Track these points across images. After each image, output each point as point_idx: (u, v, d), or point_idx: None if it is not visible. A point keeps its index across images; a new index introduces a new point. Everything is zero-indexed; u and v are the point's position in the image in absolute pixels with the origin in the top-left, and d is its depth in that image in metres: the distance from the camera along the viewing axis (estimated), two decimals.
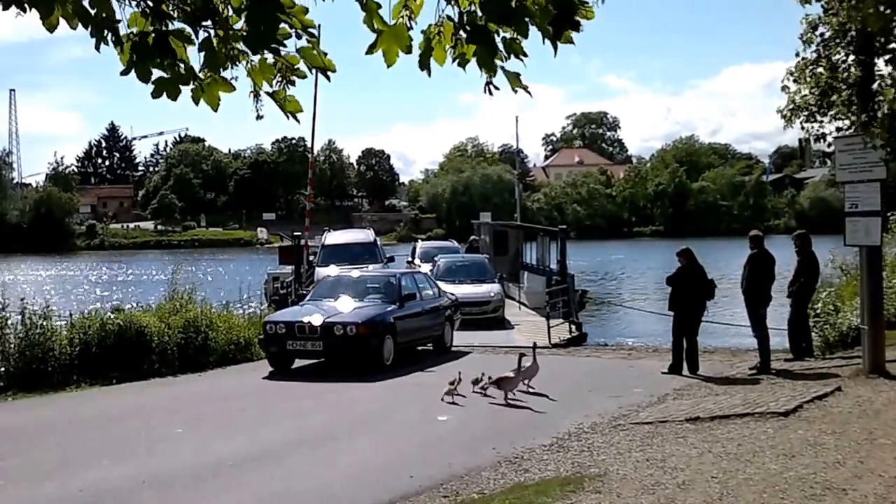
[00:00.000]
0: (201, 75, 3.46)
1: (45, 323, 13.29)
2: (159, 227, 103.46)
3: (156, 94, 3.45)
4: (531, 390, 11.11)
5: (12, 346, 13.06)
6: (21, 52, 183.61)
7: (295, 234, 25.31)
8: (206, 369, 14.38)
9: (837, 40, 10.18)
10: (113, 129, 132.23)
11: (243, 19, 3.31)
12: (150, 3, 3.34)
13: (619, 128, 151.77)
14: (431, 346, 15.69)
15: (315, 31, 3.42)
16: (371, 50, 3.46)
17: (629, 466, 7.11)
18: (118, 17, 3.35)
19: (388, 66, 3.49)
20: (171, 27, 3.38)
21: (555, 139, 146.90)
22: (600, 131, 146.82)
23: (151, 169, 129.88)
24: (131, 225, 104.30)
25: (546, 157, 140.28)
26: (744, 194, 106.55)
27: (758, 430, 8.07)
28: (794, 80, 10.57)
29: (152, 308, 15.62)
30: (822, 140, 10.95)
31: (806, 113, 10.48)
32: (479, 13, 3.33)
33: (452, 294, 17.26)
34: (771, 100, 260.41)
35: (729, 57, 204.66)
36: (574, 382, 12.40)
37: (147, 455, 8.49)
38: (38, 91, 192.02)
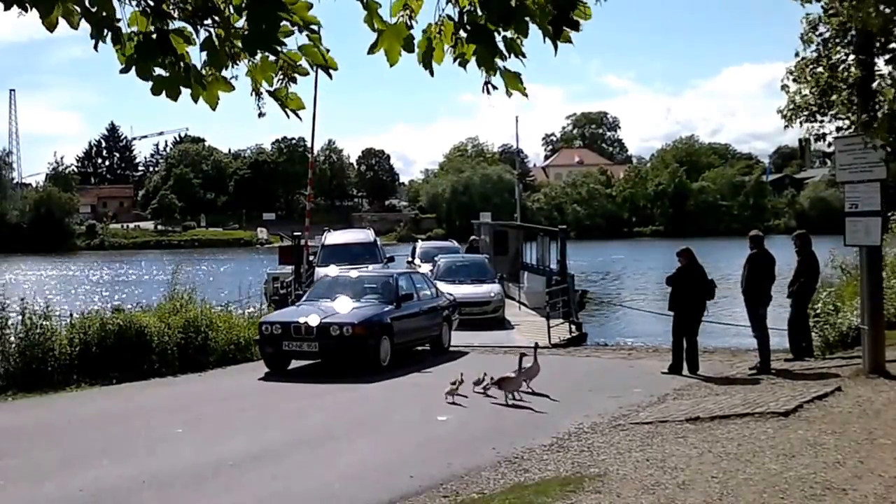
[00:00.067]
0: (203, 72, 3.45)
1: (45, 323, 13.30)
2: (159, 227, 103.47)
3: (156, 91, 3.45)
4: (531, 391, 11.10)
5: (12, 346, 13.07)
6: (21, 52, 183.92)
7: (295, 234, 25.31)
8: (206, 369, 14.39)
9: (837, 40, 10.19)
10: (113, 129, 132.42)
11: (244, 18, 3.30)
12: (151, 2, 3.34)
13: (619, 128, 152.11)
14: (429, 347, 15.63)
15: (317, 28, 3.41)
16: (373, 49, 3.46)
17: (629, 466, 7.10)
18: (118, 15, 3.35)
19: (391, 66, 3.49)
20: (171, 26, 3.38)
21: (555, 139, 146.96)
22: (600, 131, 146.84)
23: (151, 169, 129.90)
24: (131, 225, 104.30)
25: (546, 157, 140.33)
26: (744, 194, 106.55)
27: (758, 430, 8.07)
28: (794, 80, 10.57)
29: (152, 308, 15.62)
30: (822, 140, 10.95)
31: (806, 113, 10.48)
32: (479, 12, 3.33)
33: (450, 294, 17.23)
34: (771, 100, 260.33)
35: (729, 57, 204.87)
36: (574, 382, 12.40)
37: (147, 455, 8.49)
38: (38, 91, 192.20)
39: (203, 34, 3.38)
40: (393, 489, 7.09)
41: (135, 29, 3.38)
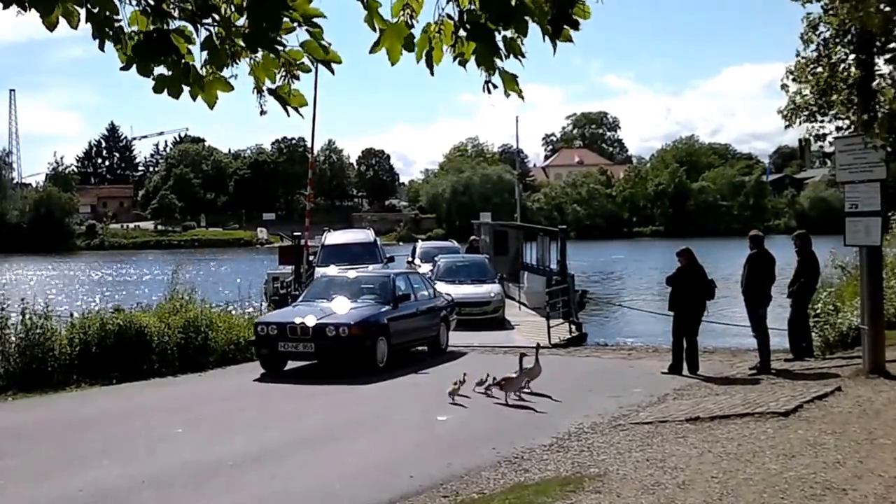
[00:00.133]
0: (203, 72, 3.45)
1: (45, 323, 13.29)
2: (159, 227, 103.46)
3: (157, 90, 3.45)
4: (529, 391, 11.09)
5: (12, 346, 13.06)
6: (21, 52, 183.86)
7: (295, 234, 25.27)
8: (206, 369, 14.38)
9: (837, 40, 10.19)
10: (113, 129, 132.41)
11: (244, 17, 3.30)
12: (151, 2, 3.34)
13: (619, 128, 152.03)
14: (426, 348, 15.54)
15: (319, 21, 3.39)
16: (374, 49, 3.45)
17: (629, 466, 7.10)
18: (119, 15, 3.35)
19: (392, 65, 3.49)
20: (172, 25, 3.38)
21: (555, 139, 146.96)
22: (600, 131, 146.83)
23: (151, 169, 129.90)
24: (131, 225, 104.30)
25: (546, 157, 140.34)
26: (744, 194, 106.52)
27: (758, 430, 8.07)
28: (794, 80, 10.57)
29: (152, 308, 15.62)
30: (822, 140, 10.95)
31: (806, 113, 10.48)
32: (480, 11, 3.33)
33: (448, 294, 17.19)
34: (771, 100, 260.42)
35: (729, 57, 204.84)
36: (574, 382, 12.39)
37: (147, 455, 8.49)
38: (38, 91, 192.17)
39: (203, 33, 3.38)
40: (393, 489, 7.09)
41: (136, 28, 3.38)
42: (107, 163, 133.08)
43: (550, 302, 18.61)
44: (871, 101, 9.93)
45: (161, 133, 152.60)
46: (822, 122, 10.54)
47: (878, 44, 9.79)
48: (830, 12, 9.94)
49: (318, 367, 13.82)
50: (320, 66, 3.53)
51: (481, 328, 18.64)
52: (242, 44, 3.35)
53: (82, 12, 3.29)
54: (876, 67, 10.00)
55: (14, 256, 70.29)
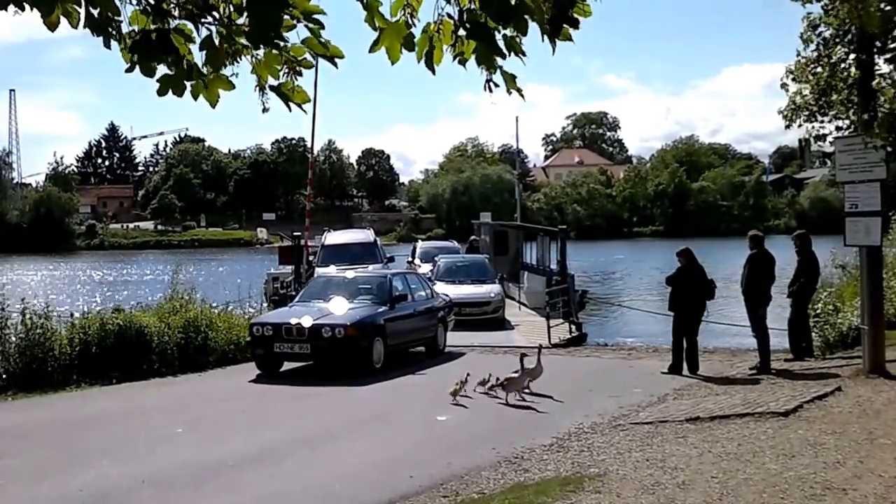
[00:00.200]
0: (204, 70, 3.45)
1: (45, 323, 13.28)
2: (159, 227, 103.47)
3: (161, 92, 3.45)
4: (529, 391, 11.09)
5: (12, 346, 13.06)
6: (21, 52, 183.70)
7: (295, 234, 25.27)
8: (206, 369, 14.37)
9: (837, 39, 10.19)
10: (113, 129, 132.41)
11: (245, 16, 3.30)
12: (151, 1, 3.34)
13: (619, 128, 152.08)
14: (424, 349, 15.47)
15: (320, 18, 3.39)
16: (374, 48, 3.45)
17: (629, 466, 7.10)
18: (119, 15, 3.35)
19: (392, 63, 3.48)
20: (172, 25, 3.38)
21: (555, 139, 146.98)
22: (600, 131, 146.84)
23: (151, 169, 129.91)
24: (131, 225, 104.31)
25: (546, 157, 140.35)
26: (744, 194, 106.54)
27: (758, 430, 8.07)
28: (794, 80, 10.57)
29: (152, 308, 15.62)
30: (822, 140, 10.95)
31: (806, 113, 10.48)
32: (479, 11, 3.33)
33: (446, 295, 17.15)
34: (771, 100, 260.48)
35: (729, 57, 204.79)
36: (574, 382, 12.38)
37: (147, 455, 8.48)
38: (38, 91, 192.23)
39: (203, 32, 3.38)
40: (393, 489, 7.08)
41: (136, 28, 3.38)
42: (107, 163, 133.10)
43: (550, 302, 18.62)
44: (870, 100, 9.92)
45: (161, 133, 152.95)
46: (821, 122, 10.54)
47: (877, 44, 9.79)
48: (830, 12, 9.94)
49: (315, 368, 13.73)
50: (320, 66, 3.53)
51: (481, 328, 18.63)
52: (244, 42, 3.35)
53: (82, 12, 3.28)
54: (876, 67, 10.01)
55: (14, 256, 70.30)
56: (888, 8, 8.37)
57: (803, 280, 12.83)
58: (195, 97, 3.49)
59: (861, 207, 10.78)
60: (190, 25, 3.38)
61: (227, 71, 3.47)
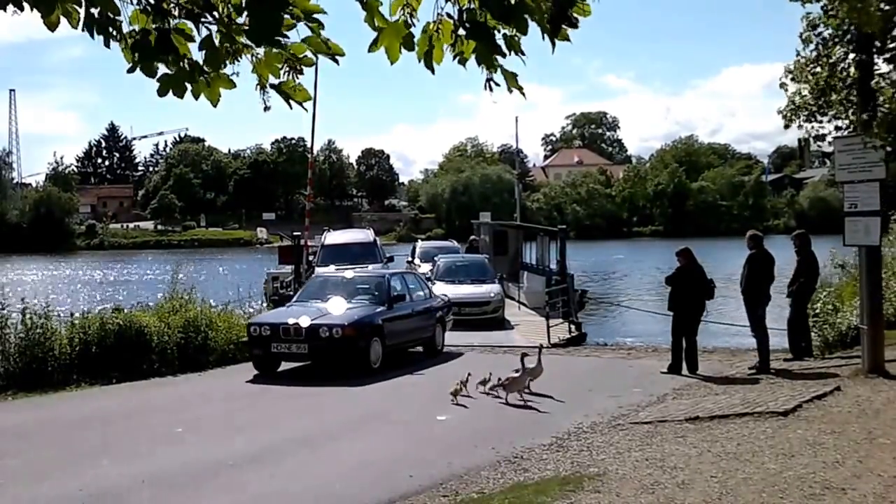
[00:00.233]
0: (206, 68, 3.45)
1: (45, 323, 13.29)
2: (159, 227, 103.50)
3: (162, 93, 3.45)
4: (530, 391, 11.09)
5: (12, 345, 13.06)
6: (21, 52, 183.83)
7: (295, 234, 25.26)
8: (206, 369, 14.37)
9: (836, 39, 10.19)
10: (113, 129, 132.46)
11: (244, 15, 3.31)
12: (151, 0, 3.34)
13: (619, 128, 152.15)
14: (422, 349, 15.44)
15: (320, 17, 3.39)
16: (373, 47, 3.45)
17: (628, 466, 7.11)
18: (119, 15, 3.35)
19: (392, 63, 3.49)
20: (172, 24, 3.38)
21: (554, 139, 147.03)
22: (600, 131, 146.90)
23: (151, 169, 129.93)
24: (131, 225, 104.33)
25: (546, 157, 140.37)
26: (743, 194, 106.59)
27: (757, 429, 8.08)
28: (793, 79, 10.58)
29: (152, 308, 15.62)
30: (821, 140, 10.95)
31: (806, 113, 10.48)
32: (479, 10, 3.34)
33: (445, 295, 17.13)
34: (771, 100, 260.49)
35: (729, 57, 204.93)
36: (574, 382, 12.39)
37: (147, 455, 8.49)
38: (38, 91, 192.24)
39: (203, 31, 3.38)
40: (393, 489, 7.09)
41: (136, 27, 3.39)
42: (107, 163, 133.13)
43: (550, 302, 18.63)
44: (870, 100, 9.92)
45: (161, 133, 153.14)
46: (821, 121, 10.54)
47: (877, 44, 9.79)
48: (830, 12, 9.94)
49: (314, 368, 13.70)
50: (320, 66, 3.54)
51: (481, 328, 18.64)
52: (244, 41, 3.35)
53: (82, 12, 3.29)
54: (875, 67, 10.00)
55: (14, 256, 70.33)
56: (888, 8, 8.36)
57: (803, 280, 12.83)
58: (196, 97, 3.49)
59: (860, 207, 10.78)
60: (190, 25, 3.39)
61: (227, 70, 3.48)
